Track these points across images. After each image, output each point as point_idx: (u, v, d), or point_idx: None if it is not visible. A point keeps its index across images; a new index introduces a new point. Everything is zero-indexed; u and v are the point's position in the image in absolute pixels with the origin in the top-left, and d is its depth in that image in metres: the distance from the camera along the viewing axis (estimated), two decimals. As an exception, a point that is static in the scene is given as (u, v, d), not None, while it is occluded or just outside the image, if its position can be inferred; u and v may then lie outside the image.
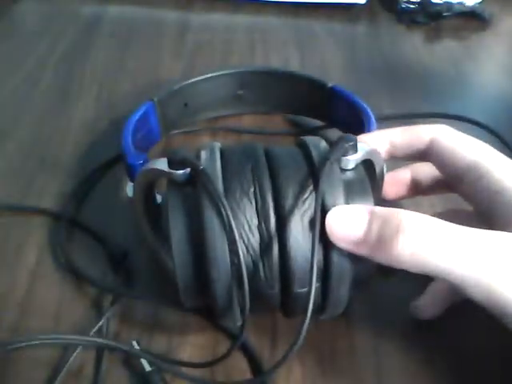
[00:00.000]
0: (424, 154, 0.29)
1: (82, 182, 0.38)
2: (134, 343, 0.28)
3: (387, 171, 0.29)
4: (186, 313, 0.30)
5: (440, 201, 0.36)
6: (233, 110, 0.44)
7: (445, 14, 0.59)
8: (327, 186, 0.23)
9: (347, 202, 0.24)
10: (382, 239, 0.23)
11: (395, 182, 0.32)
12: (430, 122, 0.29)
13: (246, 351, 0.28)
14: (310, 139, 0.26)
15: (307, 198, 0.23)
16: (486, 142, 0.28)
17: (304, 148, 0.26)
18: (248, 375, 0.27)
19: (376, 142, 0.29)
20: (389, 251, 0.22)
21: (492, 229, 0.24)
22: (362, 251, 0.23)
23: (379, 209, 0.23)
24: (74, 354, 0.28)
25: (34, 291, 0.31)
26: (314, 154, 0.25)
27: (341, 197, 0.23)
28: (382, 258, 0.23)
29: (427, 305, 0.29)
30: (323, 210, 0.23)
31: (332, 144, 0.25)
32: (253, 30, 0.59)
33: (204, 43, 0.56)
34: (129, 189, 0.33)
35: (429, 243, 0.22)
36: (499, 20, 0.60)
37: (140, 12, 0.63)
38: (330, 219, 0.23)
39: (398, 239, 0.22)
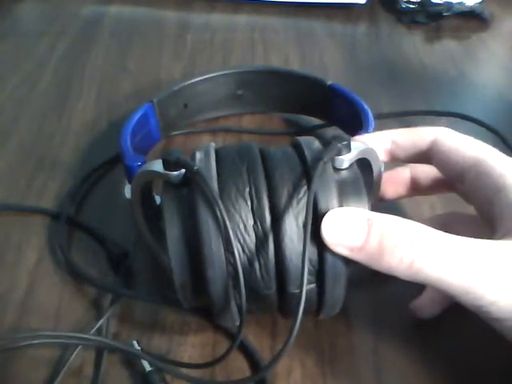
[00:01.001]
0: (425, 155, 0.29)
1: (81, 182, 0.38)
2: (134, 343, 0.28)
3: (386, 170, 0.29)
4: (185, 313, 0.30)
5: (440, 201, 0.36)
6: (233, 110, 0.44)
7: (445, 14, 0.59)
8: (320, 185, 0.23)
9: (340, 201, 0.24)
10: (381, 250, 0.22)
11: (394, 181, 0.32)
12: (429, 120, 0.29)
13: (247, 351, 0.28)
14: (303, 139, 0.26)
15: (302, 197, 0.23)
16: (486, 140, 0.27)
17: (298, 148, 0.26)
18: (248, 375, 0.27)
19: (378, 141, 0.29)
20: (387, 261, 0.22)
21: (492, 228, 0.24)
22: (358, 257, 0.23)
23: (377, 217, 0.23)
24: (74, 354, 0.28)
25: (34, 291, 0.31)
26: (308, 154, 0.25)
27: (334, 196, 0.23)
28: (378, 266, 0.23)
29: (426, 304, 0.29)
30: (316, 210, 0.23)
31: (325, 144, 0.25)
32: (253, 30, 0.59)
33: (204, 43, 0.56)
34: (127, 190, 0.33)
35: (425, 254, 0.22)
36: (499, 20, 0.60)
37: (140, 12, 0.63)
38: (326, 225, 0.23)
39: (397, 250, 0.22)
